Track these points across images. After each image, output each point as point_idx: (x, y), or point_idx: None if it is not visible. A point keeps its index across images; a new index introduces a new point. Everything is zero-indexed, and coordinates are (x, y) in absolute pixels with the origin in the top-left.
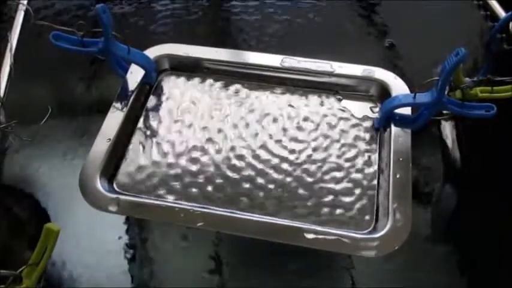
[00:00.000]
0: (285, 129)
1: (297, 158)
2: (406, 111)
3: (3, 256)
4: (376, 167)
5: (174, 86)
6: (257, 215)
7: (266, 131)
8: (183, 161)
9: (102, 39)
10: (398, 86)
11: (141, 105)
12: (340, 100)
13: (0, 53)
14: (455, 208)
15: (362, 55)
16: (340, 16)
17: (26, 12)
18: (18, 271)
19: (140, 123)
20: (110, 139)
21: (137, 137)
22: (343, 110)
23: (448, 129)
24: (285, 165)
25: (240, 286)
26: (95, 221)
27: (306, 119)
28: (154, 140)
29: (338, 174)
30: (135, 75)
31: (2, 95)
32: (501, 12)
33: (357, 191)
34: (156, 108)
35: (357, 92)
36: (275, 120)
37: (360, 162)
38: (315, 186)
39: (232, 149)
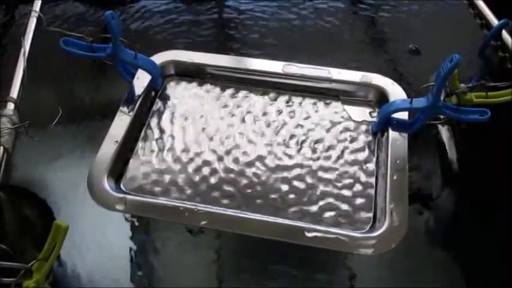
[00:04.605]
0: (286, 133)
1: (297, 161)
2: (403, 115)
3: (12, 254)
4: (374, 169)
5: (179, 91)
6: (259, 215)
7: (268, 135)
8: (187, 163)
9: (111, 45)
10: (395, 92)
11: (147, 109)
12: (339, 105)
13: (14, 57)
14: (450, 208)
15: (361, 61)
16: (340, 23)
17: (38, 18)
18: (29, 265)
19: (146, 127)
20: (117, 141)
21: (143, 140)
22: (342, 115)
23: (444, 133)
24: (285, 168)
25: (240, 284)
26: (102, 219)
27: (306, 123)
28: (159, 142)
29: (337, 176)
30: (141, 80)
31: (16, 98)
32: (494, 21)
33: (356, 192)
34: (162, 112)
35: (355, 98)
36: (277, 124)
37: (358, 164)
38: (315, 187)
39: (235, 151)
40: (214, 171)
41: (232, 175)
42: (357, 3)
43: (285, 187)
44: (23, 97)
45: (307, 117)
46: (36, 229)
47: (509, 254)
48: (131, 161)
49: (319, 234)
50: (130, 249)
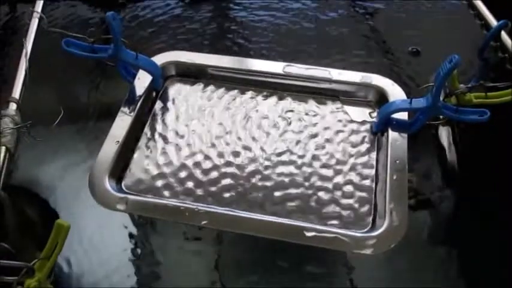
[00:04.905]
0: (286, 133)
1: (297, 161)
2: (403, 116)
3: (14, 253)
4: (373, 170)
5: (180, 92)
6: (259, 214)
7: (268, 135)
8: (188, 163)
9: (112, 45)
10: (395, 92)
11: (148, 110)
12: (339, 105)
13: (16, 58)
14: (450, 208)
15: (361, 62)
16: (341, 24)
17: (40, 19)
18: (31, 263)
19: (147, 127)
20: (118, 141)
21: (144, 140)
22: (342, 115)
23: (443, 133)
24: (286, 168)
25: (241, 284)
26: (103, 219)
27: (306, 123)
28: (160, 143)
29: (338, 176)
30: (142, 81)
31: (18, 98)
32: (493, 22)
33: (356, 192)
34: (163, 112)
35: (355, 98)
36: (277, 124)
37: (358, 165)
38: (315, 187)
39: (235, 152)
40: (215, 172)
41: (233, 175)
42: (357, 4)
43: (285, 186)
44: (25, 97)
45: (307, 118)
46: (38, 228)
47: (509, 254)
48: (132, 161)
49: (319, 234)
50: (131, 249)
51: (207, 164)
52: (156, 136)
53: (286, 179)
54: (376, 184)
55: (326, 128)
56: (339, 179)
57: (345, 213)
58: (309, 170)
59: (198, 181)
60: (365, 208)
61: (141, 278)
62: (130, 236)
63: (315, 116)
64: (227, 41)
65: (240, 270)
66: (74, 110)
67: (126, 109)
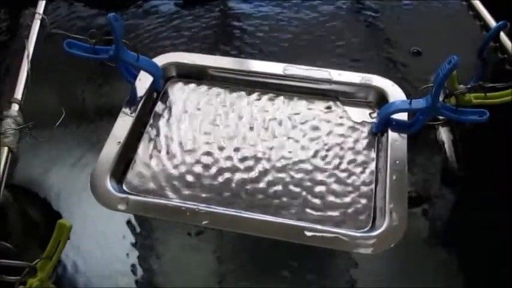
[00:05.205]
0: (286, 134)
1: (298, 161)
2: (403, 116)
3: (17, 252)
4: (374, 170)
5: (180, 93)
6: (260, 214)
7: (268, 136)
8: (188, 164)
9: (113, 47)
10: (395, 93)
11: (149, 110)
12: (340, 106)
13: (18, 59)
14: (450, 208)
15: (361, 63)
16: (341, 25)
17: (42, 21)
18: (33, 263)
19: (148, 127)
20: (119, 142)
21: (145, 140)
22: (342, 116)
23: (443, 134)
24: (286, 168)
25: (242, 284)
26: (104, 219)
27: (307, 124)
28: (161, 143)
29: (338, 176)
30: (143, 82)
31: (20, 99)
32: (492, 23)
33: (356, 192)
34: (164, 113)
35: (356, 99)
36: (277, 125)
37: (358, 165)
38: (316, 188)
39: (236, 152)
40: (215, 172)
41: (234, 176)
42: (357, 5)
43: (285, 187)
44: (27, 98)
45: (308, 118)
46: (40, 228)
47: (509, 254)
48: (133, 161)
49: (319, 234)
50: (133, 248)
51: (208, 164)
52: (157, 137)
53: (287, 179)
54: (376, 184)
55: (326, 129)
56: (338, 178)
57: (345, 213)
58: (309, 169)
59: (199, 181)
60: (365, 208)
61: (143, 277)
62: (132, 235)
63: (315, 116)
64: (228, 42)
65: (240, 269)
66: (76, 110)
67: (127, 110)
